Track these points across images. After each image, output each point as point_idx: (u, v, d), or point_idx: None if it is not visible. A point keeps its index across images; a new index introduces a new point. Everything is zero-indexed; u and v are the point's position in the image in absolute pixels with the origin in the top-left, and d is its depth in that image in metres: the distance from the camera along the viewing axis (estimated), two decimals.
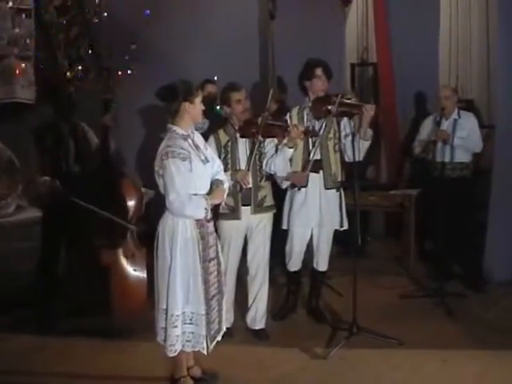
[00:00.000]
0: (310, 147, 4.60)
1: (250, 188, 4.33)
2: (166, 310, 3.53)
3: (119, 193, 4.57)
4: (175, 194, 3.44)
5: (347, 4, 7.62)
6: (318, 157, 4.59)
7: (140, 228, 4.63)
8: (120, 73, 5.74)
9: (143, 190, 4.99)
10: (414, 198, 5.98)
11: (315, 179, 4.60)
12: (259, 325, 4.54)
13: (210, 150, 3.79)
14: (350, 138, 4.51)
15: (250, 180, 4.26)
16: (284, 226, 4.75)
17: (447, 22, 7.11)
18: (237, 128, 4.35)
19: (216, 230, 3.88)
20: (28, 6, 5.44)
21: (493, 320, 4.79)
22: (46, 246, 4.68)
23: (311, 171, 4.57)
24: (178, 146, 3.49)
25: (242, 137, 4.34)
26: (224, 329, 3.78)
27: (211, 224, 3.68)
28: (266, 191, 4.45)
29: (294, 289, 4.97)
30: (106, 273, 4.44)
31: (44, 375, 4.00)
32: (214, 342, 3.67)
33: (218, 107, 5.86)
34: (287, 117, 4.66)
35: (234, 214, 4.34)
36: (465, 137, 5.35)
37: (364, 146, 4.53)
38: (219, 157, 4.25)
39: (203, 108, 3.67)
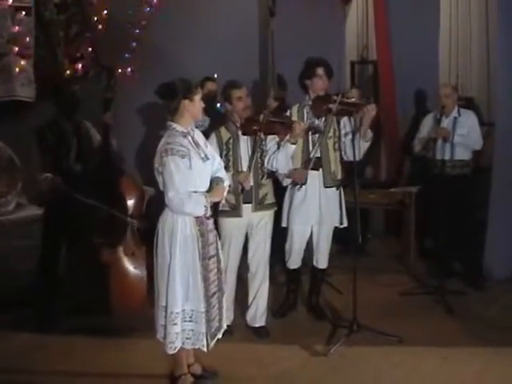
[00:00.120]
0: (310, 145, 4.60)
1: (252, 186, 4.34)
2: (166, 307, 3.53)
3: (120, 191, 4.57)
4: (174, 192, 3.44)
5: (347, 2, 7.62)
6: (317, 155, 4.59)
7: (141, 225, 4.63)
8: (120, 71, 5.73)
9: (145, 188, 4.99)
10: (414, 195, 5.98)
11: (315, 177, 4.60)
12: (259, 322, 4.54)
13: (210, 148, 3.79)
14: (349, 136, 4.52)
15: (251, 181, 4.26)
16: (284, 224, 4.75)
17: (447, 19, 7.11)
18: (238, 125, 4.35)
19: (216, 228, 3.88)
20: (28, 4, 5.43)
21: (493, 317, 4.80)
22: (46, 243, 4.68)
23: (311, 169, 4.57)
24: (178, 144, 3.49)
25: (243, 134, 4.34)
26: (224, 326, 3.78)
27: (211, 221, 3.68)
28: (267, 189, 4.45)
29: (294, 286, 4.97)
30: (106, 271, 4.44)
31: (44, 374, 4.00)
32: (215, 340, 3.66)
33: (219, 105, 5.87)
34: (287, 114, 4.66)
35: (235, 211, 4.34)
36: (465, 134, 5.35)
37: (363, 146, 4.53)
38: (220, 154, 4.26)
39: (203, 105, 3.67)
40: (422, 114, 5.92)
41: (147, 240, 4.22)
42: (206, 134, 4.18)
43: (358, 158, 4.42)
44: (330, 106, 4.40)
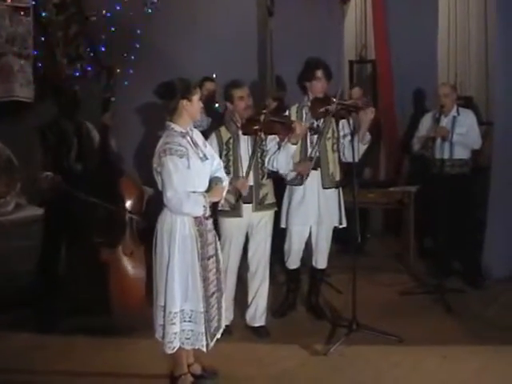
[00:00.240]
0: (309, 145, 4.61)
1: (252, 186, 4.34)
2: (164, 307, 3.53)
3: (119, 190, 4.57)
4: (173, 191, 3.44)
5: (346, 1, 7.62)
6: (316, 155, 4.60)
7: (140, 224, 4.63)
8: (118, 71, 5.73)
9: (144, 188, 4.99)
10: (413, 194, 5.98)
11: (313, 177, 4.60)
12: (259, 322, 4.54)
13: (209, 148, 3.78)
14: (348, 138, 4.52)
15: (248, 188, 4.23)
16: (282, 225, 4.75)
17: (446, 19, 7.11)
18: (239, 125, 4.35)
19: (216, 228, 3.88)
20: (26, 4, 5.44)
21: (492, 316, 4.80)
22: (46, 243, 4.69)
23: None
24: (176, 144, 3.49)
25: (244, 134, 4.33)
26: (223, 326, 3.78)
27: (210, 221, 3.68)
28: (267, 189, 4.45)
29: (294, 286, 4.97)
30: (105, 270, 4.44)
31: (44, 373, 4.00)
32: (214, 340, 3.67)
33: (217, 105, 5.88)
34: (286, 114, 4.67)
35: (235, 211, 4.33)
36: (464, 133, 5.35)
37: (361, 149, 4.54)
38: (220, 154, 4.26)
39: (202, 105, 3.67)
40: (421, 113, 5.92)
41: (146, 240, 4.23)
42: (206, 134, 4.18)
43: (356, 160, 4.43)
44: (329, 107, 4.40)
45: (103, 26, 5.95)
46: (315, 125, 4.59)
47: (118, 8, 5.98)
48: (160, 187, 3.55)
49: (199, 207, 3.51)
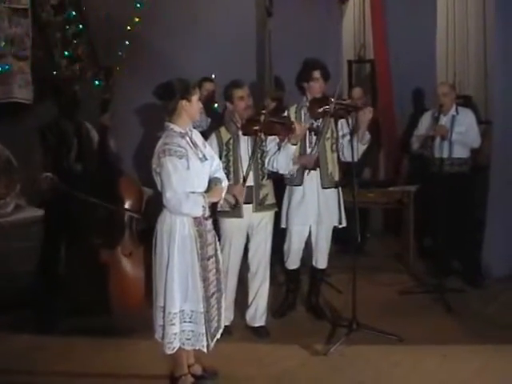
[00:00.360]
0: (307, 146, 4.61)
1: (252, 186, 4.34)
2: (164, 307, 3.53)
3: (118, 191, 4.57)
4: (172, 192, 3.44)
5: (344, 1, 7.63)
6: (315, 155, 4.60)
7: (139, 224, 4.64)
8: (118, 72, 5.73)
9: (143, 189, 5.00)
10: (413, 194, 5.98)
11: (313, 177, 4.61)
12: (259, 322, 4.54)
13: (208, 148, 3.78)
14: (347, 137, 4.52)
15: (244, 195, 4.17)
16: (282, 225, 4.75)
17: (444, 18, 7.11)
18: (239, 126, 4.35)
19: (215, 228, 3.88)
20: (25, 6, 5.43)
21: (492, 315, 4.80)
22: (46, 244, 4.69)
23: (310, 169, 4.58)
24: (175, 144, 3.49)
25: (244, 134, 4.33)
26: (223, 327, 3.77)
27: (209, 222, 3.68)
28: (267, 189, 4.45)
29: (293, 287, 4.97)
30: (105, 271, 4.44)
31: (44, 374, 4.00)
32: (214, 340, 3.66)
33: (216, 105, 5.88)
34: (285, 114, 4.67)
35: (235, 211, 4.32)
36: (463, 132, 5.35)
37: (360, 149, 4.54)
38: (220, 154, 4.26)
39: (201, 106, 3.67)
40: (420, 113, 5.92)
41: (145, 240, 4.23)
42: (205, 135, 4.18)
43: (355, 160, 4.43)
44: (327, 107, 4.40)
45: (102, 26, 5.95)
46: (315, 125, 4.59)
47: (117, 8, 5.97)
48: (159, 188, 3.55)
49: (198, 208, 3.51)
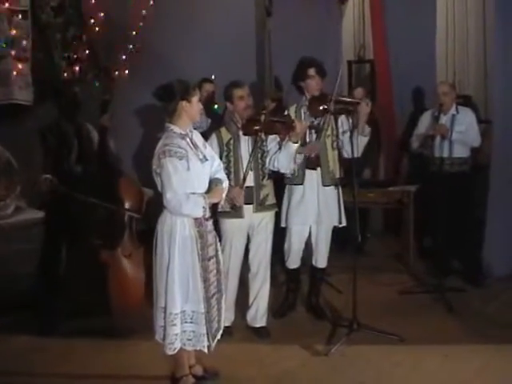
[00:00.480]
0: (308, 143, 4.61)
1: (253, 186, 4.34)
2: (165, 308, 3.53)
3: (118, 192, 4.57)
4: (172, 193, 3.44)
5: (344, 1, 7.63)
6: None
7: (139, 225, 4.64)
8: (117, 73, 5.74)
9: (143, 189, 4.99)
10: (413, 194, 5.98)
11: (313, 176, 4.61)
12: (260, 323, 4.54)
13: (209, 149, 3.78)
14: (347, 134, 4.52)
15: (243, 198, 4.18)
16: (282, 224, 4.75)
17: (444, 18, 7.11)
18: (239, 126, 4.34)
19: (216, 229, 3.88)
20: (24, 7, 5.44)
21: (493, 314, 4.81)
22: (47, 245, 4.69)
23: (309, 168, 4.58)
24: (176, 145, 3.49)
25: (244, 134, 4.33)
26: (223, 327, 3.77)
27: (210, 222, 3.67)
28: (268, 190, 4.45)
29: (294, 286, 4.97)
30: (105, 272, 4.44)
31: (44, 376, 4.00)
32: (215, 341, 3.66)
33: (216, 106, 5.88)
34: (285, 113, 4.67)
35: (236, 212, 4.32)
36: (463, 131, 5.35)
37: (362, 141, 4.54)
38: (221, 155, 4.26)
39: (201, 107, 3.67)
40: (420, 112, 5.92)
41: (145, 241, 4.23)
42: (206, 135, 4.18)
43: (357, 155, 4.44)
44: (327, 105, 4.41)
45: (101, 28, 5.95)
46: (315, 123, 4.59)
47: (116, 10, 5.98)
48: (160, 189, 3.55)
49: (199, 208, 3.51)
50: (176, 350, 3.57)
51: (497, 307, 4.95)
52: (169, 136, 3.54)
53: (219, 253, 3.77)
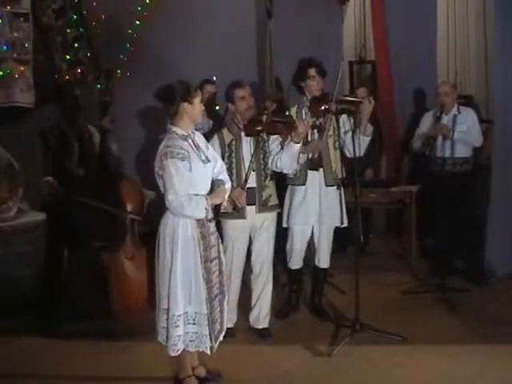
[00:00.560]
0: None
1: (255, 187, 4.34)
2: (168, 310, 3.53)
3: (119, 193, 4.57)
4: (174, 194, 3.44)
5: (344, 2, 7.61)
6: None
7: (141, 227, 4.64)
8: (118, 74, 5.74)
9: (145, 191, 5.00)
10: (415, 194, 5.98)
11: (315, 177, 4.61)
12: (262, 324, 4.54)
13: (211, 150, 3.77)
14: (349, 134, 4.52)
15: (245, 199, 4.12)
16: (284, 225, 4.75)
17: (445, 17, 7.10)
18: (241, 126, 4.34)
19: (218, 230, 3.88)
20: (25, 10, 5.44)
21: (495, 314, 4.80)
22: (49, 248, 4.69)
23: (312, 169, 4.59)
24: (177, 147, 3.49)
25: (246, 135, 4.32)
26: (225, 329, 3.77)
27: (212, 224, 3.67)
28: (270, 190, 4.45)
29: (296, 287, 4.97)
30: (107, 274, 4.44)
31: (46, 378, 4.00)
32: (218, 342, 3.66)
33: (217, 107, 5.88)
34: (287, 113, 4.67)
35: (239, 213, 4.31)
36: (465, 131, 5.35)
37: (365, 141, 4.53)
38: (223, 156, 4.25)
39: (203, 108, 3.67)
40: (421, 112, 5.92)
41: (147, 243, 4.23)
42: (207, 137, 4.18)
43: (360, 155, 4.43)
44: (328, 105, 4.41)
45: (102, 30, 5.96)
46: (317, 122, 4.59)
47: (117, 11, 5.98)
48: (162, 190, 3.55)
49: (201, 210, 3.51)
50: (179, 352, 3.57)
51: (498, 307, 4.95)
52: (171, 137, 3.55)
53: (222, 254, 3.77)
